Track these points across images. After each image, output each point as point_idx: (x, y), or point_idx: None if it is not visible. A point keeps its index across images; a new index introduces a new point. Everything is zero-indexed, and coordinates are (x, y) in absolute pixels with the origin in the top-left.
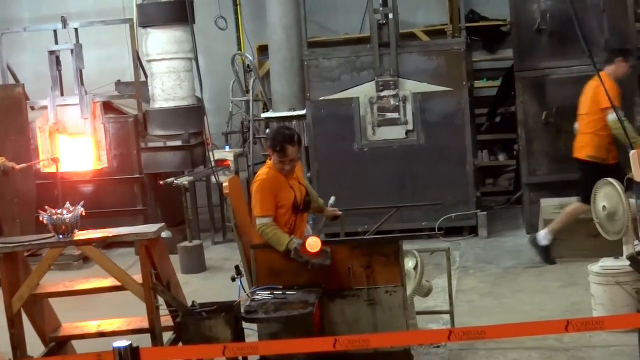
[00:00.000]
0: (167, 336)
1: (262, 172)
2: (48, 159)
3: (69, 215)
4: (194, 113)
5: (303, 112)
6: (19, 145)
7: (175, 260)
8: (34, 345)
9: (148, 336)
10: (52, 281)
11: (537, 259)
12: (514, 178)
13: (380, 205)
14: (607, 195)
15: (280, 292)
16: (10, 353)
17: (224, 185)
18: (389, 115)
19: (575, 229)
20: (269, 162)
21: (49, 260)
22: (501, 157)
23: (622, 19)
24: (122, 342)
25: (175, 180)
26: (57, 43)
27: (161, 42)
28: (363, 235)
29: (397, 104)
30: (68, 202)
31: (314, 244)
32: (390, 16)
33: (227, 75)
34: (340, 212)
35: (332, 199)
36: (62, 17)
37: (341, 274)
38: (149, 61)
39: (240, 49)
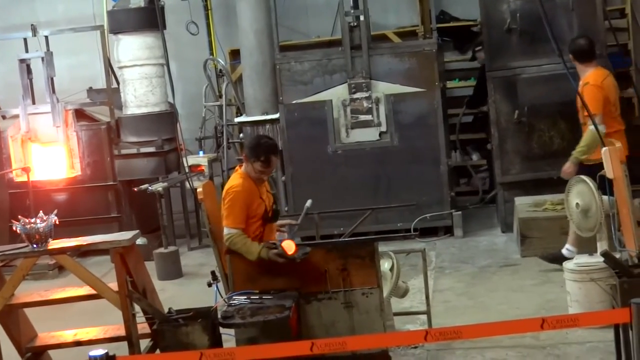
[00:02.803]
0: (144, 344)
1: (236, 181)
2: (19, 168)
3: (43, 224)
4: (166, 119)
5: (276, 116)
6: None
7: (150, 266)
8: (10, 355)
9: (125, 344)
10: (27, 291)
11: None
12: (488, 177)
13: (355, 207)
14: (580, 192)
15: (257, 297)
16: None
17: (198, 190)
18: (362, 117)
19: (548, 226)
20: (240, 170)
21: (23, 270)
22: (474, 157)
23: (591, 17)
24: (98, 351)
25: (150, 186)
26: (27, 51)
27: (132, 48)
28: (338, 237)
29: (370, 105)
30: (41, 211)
31: (288, 246)
32: (361, 18)
33: (199, 80)
34: (289, 221)
35: (309, 202)
36: (32, 25)
37: (317, 277)
38: (121, 67)
39: (212, 54)
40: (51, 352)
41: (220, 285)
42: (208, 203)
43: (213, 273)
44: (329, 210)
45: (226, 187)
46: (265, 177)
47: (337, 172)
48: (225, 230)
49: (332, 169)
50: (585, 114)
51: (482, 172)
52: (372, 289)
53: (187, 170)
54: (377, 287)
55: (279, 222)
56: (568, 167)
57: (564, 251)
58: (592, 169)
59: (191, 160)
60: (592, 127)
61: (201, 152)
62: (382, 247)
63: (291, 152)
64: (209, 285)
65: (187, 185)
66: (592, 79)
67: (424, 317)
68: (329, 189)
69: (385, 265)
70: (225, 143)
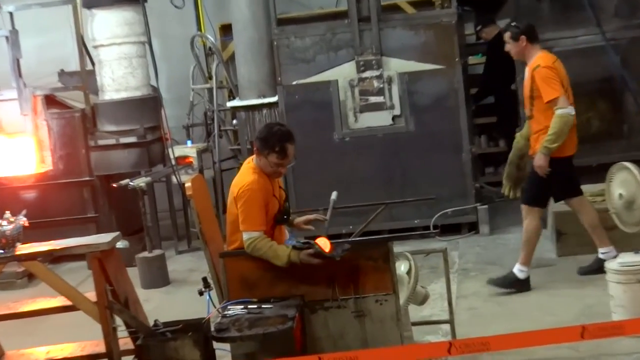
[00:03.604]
0: None
1: (249, 177)
2: None
3: (10, 227)
4: (149, 104)
5: (274, 99)
6: None
7: (133, 273)
8: None
9: None
10: None
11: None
12: None
13: (365, 202)
14: (624, 181)
15: (255, 306)
16: None
17: (186, 185)
18: (373, 99)
19: None
20: (253, 164)
21: None
22: (502, 143)
23: None
24: None
25: (131, 181)
26: None
27: (109, 24)
28: (347, 237)
29: (381, 85)
30: (8, 212)
31: (324, 244)
32: None
33: (186, 60)
34: (316, 216)
35: (334, 194)
36: None
37: (324, 283)
38: (96, 47)
39: (200, 30)
40: None
41: (213, 293)
42: (198, 200)
43: (205, 280)
44: (336, 206)
45: (238, 184)
46: (283, 171)
47: (344, 163)
48: (245, 236)
49: (339, 158)
50: (544, 101)
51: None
52: (386, 295)
53: (173, 162)
54: (393, 293)
55: (305, 217)
56: (539, 159)
57: (517, 272)
58: (562, 165)
59: (178, 151)
60: (559, 110)
61: (189, 142)
62: (397, 248)
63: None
64: (200, 293)
65: (174, 179)
66: (542, 61)
67: (446, 326)
68: (335, 181)
69: (401, 268)
70: (216, 131)
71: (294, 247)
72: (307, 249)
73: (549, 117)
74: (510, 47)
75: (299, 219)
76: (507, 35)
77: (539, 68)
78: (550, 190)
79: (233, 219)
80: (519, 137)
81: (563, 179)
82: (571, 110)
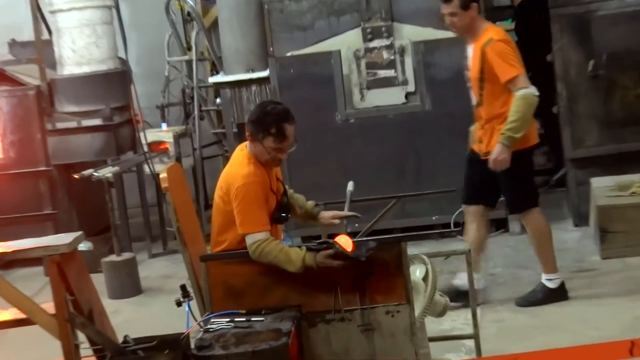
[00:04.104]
0: None
1: (245, 169)
2: None
3: None
4: (116, 80)
5: (265, 74)
6: None
7: (99, 280)
8: None
9: None
10: None
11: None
12: (554, 151)
13: (374, 196)
14: None
15: (243, 319)
16: None
17: (161, 176)
18: (382, 73)
19: (637, 216)
20: (245, 153)
21: None
22: (536, 124)
23: None
24: None
25: (95, 172)
26: None
27: None
28: (352, 237)
29: (392, 57)
30: None
31: (346, 242)
32: None
33: (160, 27)
34: (347, 214)
35: (350, 185)
36: None
37: (325, 291)
38: (53, 12)
39: None
40: None
41: (194, 303)
42: (175, 193)
43: (183, 288)
44: (339, 200)
45: (231, 178)
46: (282, 157)
47: (349, 148)
48: (249, 239)
49: (342, 144)
50: (503, 80)
51: (546, 144)
52: (399, 305)
53: (145, 149)
54: (407, 303)
55: (334, 213)
56: (500, 152)
57: (546, 282)
58: (524, 159)
59: (151, 135)
60: (521, 91)
61: (164, 125)
62: (411, 249)
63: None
64: (179, 304)
65: (147, 169)
66: (494, 34)
67: (470, 342)
68: (337, 171)
69: (416, 273)
70: (196, 112)
71: (309, 249)
72: (324, 249)
73: (506, 102)
74: (455, 20)
75: (326, 214)
76: (452, 5)
77: (493, 42)
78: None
79: (221, 216)
80: (473, 130)
81: (521, 178)
82: (534, 90)
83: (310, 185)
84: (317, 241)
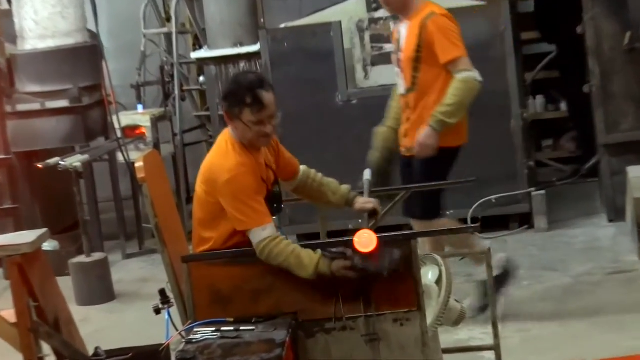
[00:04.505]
0: None
1: (229, 161)
2: None
3: None
4: (85, 56)
5: (255, 48)
6: None
7: (66, 284)
8: None
9: None
10: None
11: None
12: (584, 137)
13: (379, 187)
14: None
15: (231, 328)
16: None
17: (136, 165)
18: (388, 48)
19: None
20: (228, 139)
21: None
22: (564, 105)
23: None
24: None
25: (62, 161)
26: None
27: None
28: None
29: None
30: None
31: (366, 240)
32: None
33: None
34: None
35: (367, 173)
36: None
37: (324, 296)
38: None
39: None
40: None
41: (175, 310)
42: (153, 184)
43: (163, 293)
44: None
45: (214, 170)
46: (267, 131)
47: (350, 133)
48: (254, 237)
49: (343, 128)
50: (443, 61)
51: (575, 128)
52: (409, 312)
53: (119, 134)
54: (417, 310)
55: (359, 201)
56: (427, 136)
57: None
58: (447, 158)
59: (125, 119)
60: (462, 73)
61: (140, 107)
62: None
63: (280, 103)
64: (157, 311)
65: (120, 157)
66: (437, 9)
67: (490, 354)
68: (338, 158)
69: (429, 275)
70: (177, 92)
71: (325, 255)
72: (341, 257)
73: (442, 89)
74: None
75: (362, 201)
76: None
77: (435, 16)
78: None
79: (204, 210)
80: (390, 122)
81: (434, 179)
82: (478, 75)
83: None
84: (334, 250)
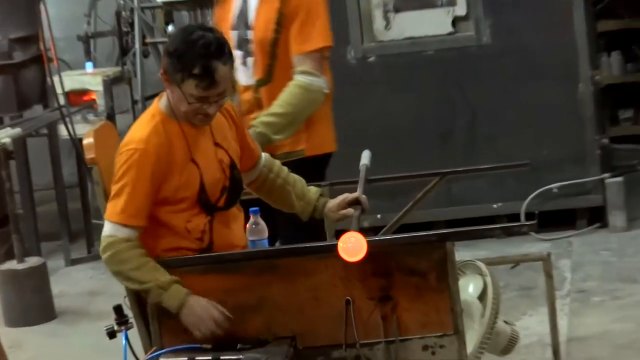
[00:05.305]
0: None
1: (141, 131)
2: None
3: None
4: None
5: None
6: None
7: None
8: None
9: None
10: None
11: None
12: None
13: (405, 172)
14: None
15: (209, 358)
16: None
17: (85, 142)
18: None
19: None
20: (155, 105)
21: None
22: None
23: None
24: None
25: None
26: None
27: None
28: (373, 234)
29: None
30: None
31: (355, 244)
32: None
33: None
34: (358, 209)
35: (366, 156)
36: None
37: (332, 315)
38: None
39: None
40: None
41: (135, 333)
42: (107, 168)
43: (119, 310)
44: (353, 180)
45: (124, 139)
46: (210, 112)
47: (366, 101)
48: (106, 229)
49: (358, 93)
50: (306, 49)
51: None
52: (443, 337)
53: (62, 101)
54: (454, 334)
55: (345, 198)
56: None
57: None
58: (310, 166)
59: (70, 81)
60: (304, 77)
61: (90, 65)
62: (462, 253)
63: None
64: (111, 335)
65: (64, 131)
66: None
67: None
68: (349, 134)
69: (469, 288)
70: (138, 45)
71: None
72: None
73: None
74: None
75: (334, 205)
76: None
77: None
78: None
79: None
80: None
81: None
82: (325, 84)
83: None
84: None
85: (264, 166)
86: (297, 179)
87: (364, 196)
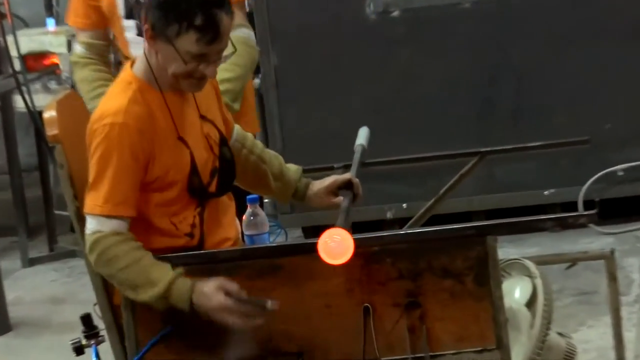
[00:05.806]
0: None
1: (116, 101)
2: None
3: None
4: None
5: None
6: None
7: None
8: None
9: None
10: None
11: None
12: None
13: (433, 152)
14: None
15: None
16: None
17: (46, 117)
18: None
19: None
20: (128, 71)
21: None
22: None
23: None
24: None
25: None
26: None
27: None
28: (397, 227)
29: None
30: None
31: (340, 243)
32: None
33: None
34: (348, 196)
35: (363, 135)
36: None
37: (346, 326)
38: None
39: None
40: None
41: (107, 348)
42: (72, 147)
43: (87, 320)
44: (372, 160)
45: (95, 113)
46: (206, 74)
47: (388, 63)
48: (89, 223)
49: (378, 55)
50: None
51: None
52: (483, 352)
53: (17, 66)
54: (497, 349)
55: (335, 181)
56: None
57: None
58: None
59: (28, 41)
60: (241, 31)
61: (52, 22)
62: (507, 250)
63: (277, 20)
64: (78, 350)
65: (20, 103)
66: None
67: None
68: (371, 105)
69: (516, 292)
70: None
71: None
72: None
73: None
74: None
75: (319, 187)
76: None
77: None
78: None
79: None
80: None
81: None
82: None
83: (317, 134)
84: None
85: (236, 140)
86: (274, 155)
87: (356, 179)
